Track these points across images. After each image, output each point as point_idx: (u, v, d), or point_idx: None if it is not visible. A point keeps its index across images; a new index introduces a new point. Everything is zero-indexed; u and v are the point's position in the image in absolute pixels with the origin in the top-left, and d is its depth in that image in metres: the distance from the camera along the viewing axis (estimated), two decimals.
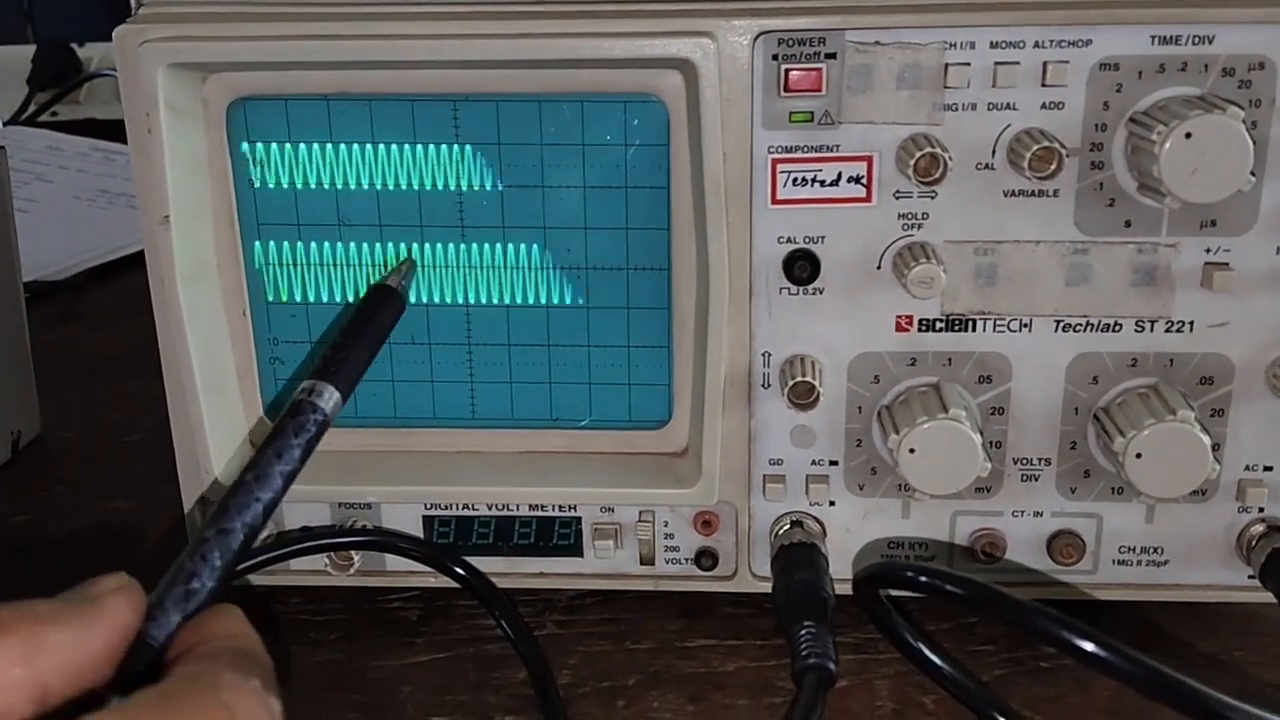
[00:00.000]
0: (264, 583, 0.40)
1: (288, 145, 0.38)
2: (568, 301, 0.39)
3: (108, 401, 0.58)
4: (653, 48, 0.35)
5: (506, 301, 0.39)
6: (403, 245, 0.38)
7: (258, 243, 0.39)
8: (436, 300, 0.39)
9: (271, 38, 0.35)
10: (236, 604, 0.28)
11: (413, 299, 0.39)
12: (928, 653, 0.35)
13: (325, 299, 0.39)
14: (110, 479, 0.51)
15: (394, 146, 0.37)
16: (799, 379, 0.36)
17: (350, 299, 0.39)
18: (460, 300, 0.39)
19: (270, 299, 0.39)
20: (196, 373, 0.38)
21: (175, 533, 0.43)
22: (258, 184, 0.38)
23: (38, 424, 0.53)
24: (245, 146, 0.38)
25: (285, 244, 0.39)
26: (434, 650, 0.38)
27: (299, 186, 0.38)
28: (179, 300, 0.37)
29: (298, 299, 0.39)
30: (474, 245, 0.38)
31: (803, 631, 0.33)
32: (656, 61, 0.35)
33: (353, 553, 0.39)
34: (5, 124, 1.08)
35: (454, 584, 0.39)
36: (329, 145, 0.38)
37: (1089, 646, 0.28)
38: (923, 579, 0.33)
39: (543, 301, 0.39)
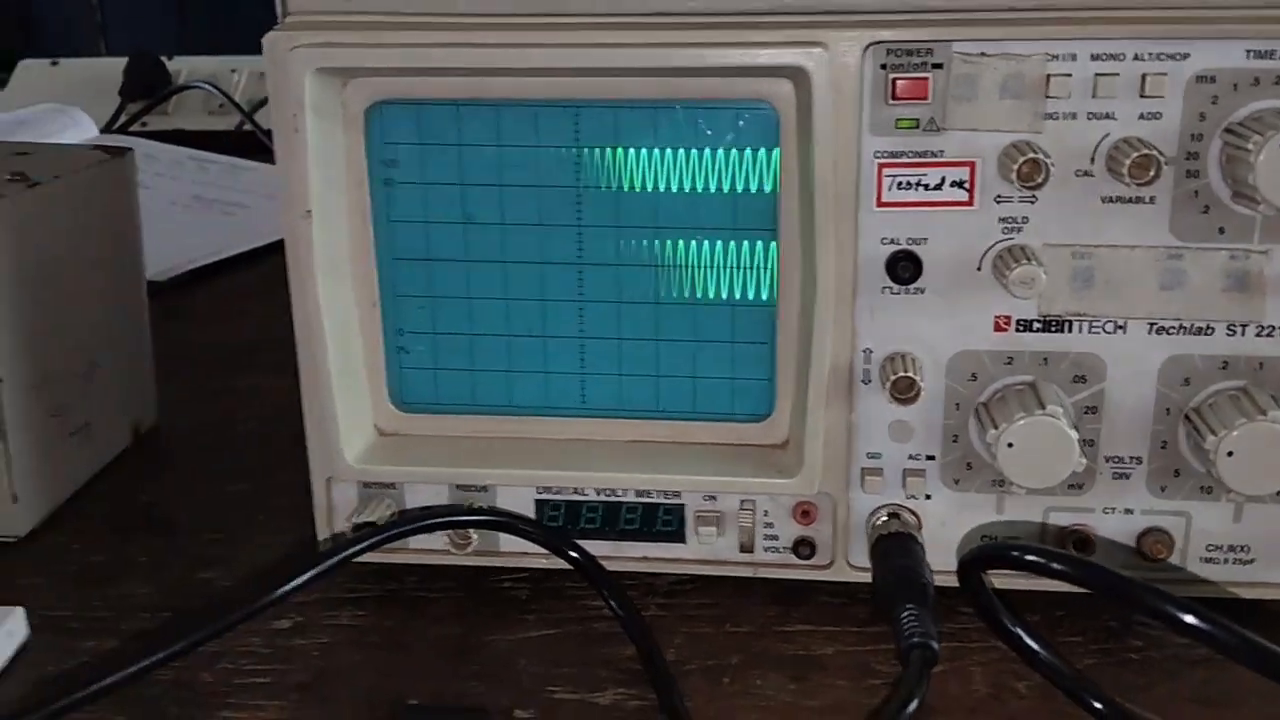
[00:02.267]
0: (382, 560, 0.42)
1: (419, 146, 0.40)
2: (675, 297, 0.41)
3: (217, 394, 0.61)
4: (768, 57, 0.37)
5: (618, 297, 0.41)
6: (519, 238, 0.41)
7: (389, 237, 0.41)
8: (551, 296, 0.41)
9: (410, 45, 0.37)
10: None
11: (529, 294, 0.41)
12: (1025, 637, 0.36)
13: (450, 292, 0.41)
14: (226, 465, 0.53)
15: (517, 148, 0.40)
16: (900, 375, 0.38)
17: (473, 293, 0.41)
18: (574, 295, 0.41)
19: (398, 292, 0.42)
20: (330, 359, 0.40)
21: (293, 513, 0.46)
22: (390, 182, 0.41)
23: (155, 414, 0.56)
24: (381, 146, 0.40)
25: (413, 239, 0.41)
26: (545, 627, 0.40)
27: (428, 184, 0.41)
28: (317, 291, 0.39)
29: (424, 292, 0.42)
30: (589, 243, 0.41)
31: (906, 613, 0.35)
32: (770, 70, 0.37)
33: (471, 532, 0.41)
34: (100, 133, 1.13)
35: (564, 565, 0.41)
36: (457, 146, 0.40)
37: (1190, 619, 0.30)
38: (1029, 557, 0.34)
39: (652, 298, 0.41)
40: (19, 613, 0.40)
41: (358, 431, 0.42)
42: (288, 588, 0.38)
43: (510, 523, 0.40)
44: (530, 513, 0.42)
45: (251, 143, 1.21)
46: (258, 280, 0.82)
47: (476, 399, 0.42)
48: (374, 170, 0.40)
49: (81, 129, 1.08)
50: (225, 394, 0.61)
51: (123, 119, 1.25)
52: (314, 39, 0.38)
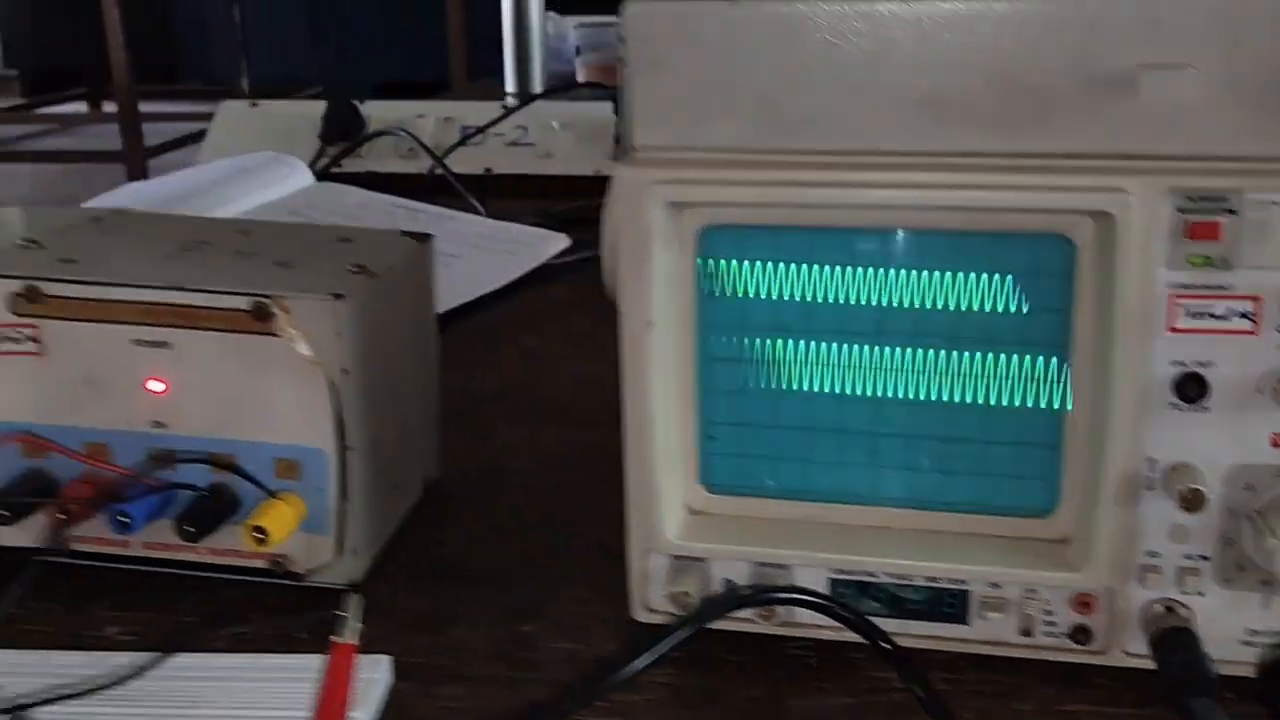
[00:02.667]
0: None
1: (740, 263, 0.45)
2: (969, 401, 0.45)
3: (477, 443, 0.68)
4: (1073, 201, 0.41)
5: (913, 398, 0.46)
6: (825, 345, 0.46)
7: (707, 341, 0.46)
8: (850, 393, 0.46)
9: (754, 184, 0.43)
10: None
11: (827, 388, 0.46)
12: None
13: (756, 390, 0.47)
14: (508, 517, 0.59)
15: (828, 267, 0.45)
16: (1189, 487, 0.42)
17: (778, 390, 0.46)
18: (871, 394, 0.46)
19: (712, 388, 0.47)
20: (657, 447, 0.45)
21: (588, 567, 0.51)
22: (711, 293, 0.46)
23: (441, 467, 0.62)
24: (705, 263, 0.45)
25: (729, 344, 0.46)
26: (843, 694, 0.45)
27: (743, 296, 0.46)
28: (651, 389, 0.45)
29: (733, 389, 0.47)
30: (888, 350, 0.45)
31: (1200, 704, 0.39)
32: (1075, 211, 0.42)
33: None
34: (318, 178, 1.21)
35: (858, 638, 0.45)
36: (771, 263, 0.45)
37: None
38: None
39: (945, 399, 0.45)
40: (386, 661, 0.46)
41: (673, 510, 0.47)
42: (663, 649, 0.43)
43: (829, 606, 0.45)
44: (824, 589, 0.46)
45: (442, 186, 1.28)
46: (484, 329, 0.89)
47: (778, 484, 0.47)
48: (700, 284, 0.46)
49: (298, 177, 1.16)
50: (489, 443, 0.67)
51: (323, 161, 1.34)
52: (666, 176, 0.43)
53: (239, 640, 0.49)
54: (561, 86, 1.46)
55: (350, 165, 1.37)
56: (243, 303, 0.49)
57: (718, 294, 0.46)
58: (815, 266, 0.45)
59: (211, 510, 0.51)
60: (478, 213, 1.18)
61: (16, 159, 4.65)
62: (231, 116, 1.46)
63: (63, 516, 0.51)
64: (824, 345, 0.46)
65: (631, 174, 0.44)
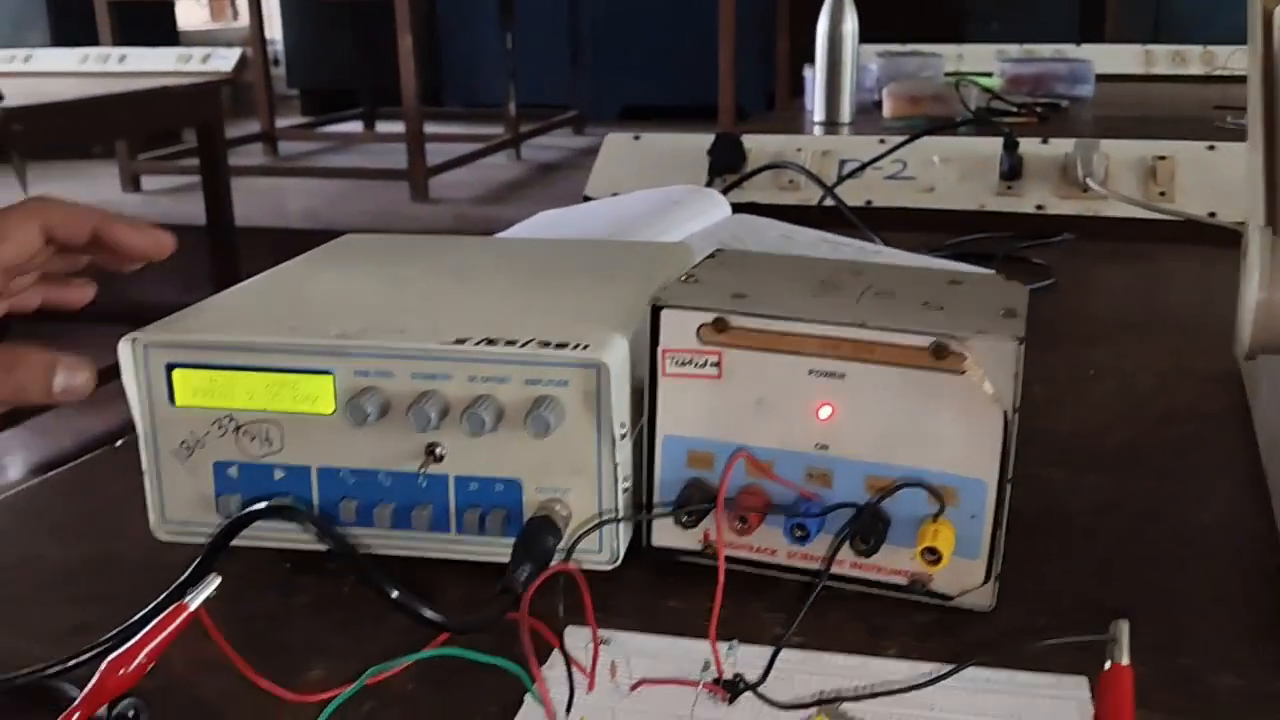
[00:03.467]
0: None
1: None
2: None
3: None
4: None
5: None
6: None
7: None
8: None
9: None
10: None
11: None
12: None
13: None
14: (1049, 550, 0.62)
15: None
16: None
17: None
18: None
19: None
20: None
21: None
22: None
23: None
24: None
25: None
26: None
27: None
28: None
29: None
30: None
31: None
32: None
33: None
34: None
35: None
36: None
37: None
38: None
39: None
40: (1084, 682, 0.49)
41: None
42: None
43: None
44: None
45: (827, 218, 1.33)
46: None
47: None
48: None
49: (720, 209, 1.22)
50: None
51: None
52: None
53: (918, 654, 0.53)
54: (946, 125, 1.49)
55: (733, 196, 1.43)
56: (923, 341, 0.54)
57: None
58: None
59: (876, 529, 0.55)
60: (873, 243, 1.22)
61: (308, 174, 5.01)
62: (616, 149, 1.55)
63: (741, 524, 0.56)
64: None
65: None
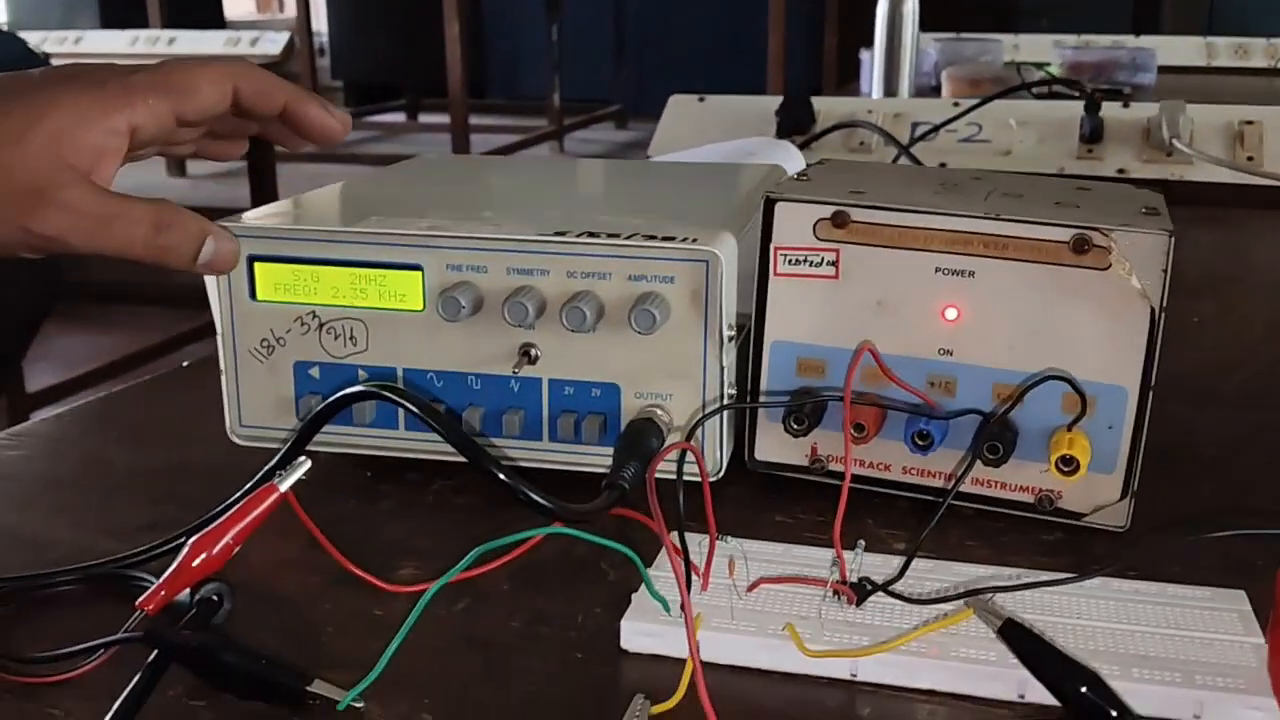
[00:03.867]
0: None
1: None
2: None
3: None
4: None
5: None
6: None
7: None
8: None
9: None
10: None
11: None
12: None
13: None
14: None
15: None
16: None
17: None
18: None
19: None
20: None
21: None
22: None
23: None
24: None
25: None
26: None
27: None
28: None
29: None
30: None
31: None
32: None
33: None
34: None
35: None
36: None
37: None
38: None
39: None
40: (1242, 595, 0.45)
41: None
42: None
43: None
44: None
45: None
46: None
47: None
48: None
49: (795, 161, 1.18)
50: None
51: None
52: None
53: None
54: (1025, 85, 1.45)
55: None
56: (1063, 234, 0.50)
57: None
58: None
59: (1005, 438, 0.51)
60: None
61: (352, 160, 5.00)
62: (680, 110, 1.51)
63: (857, 433, 0.53)
64: None
65: None
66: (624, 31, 6.23)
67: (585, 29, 6.12)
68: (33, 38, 3.44)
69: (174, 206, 0.53)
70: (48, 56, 3.32)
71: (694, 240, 0.53)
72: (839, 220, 0.53)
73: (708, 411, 0.53)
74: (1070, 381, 0.49)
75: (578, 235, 0.54)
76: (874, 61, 2.18)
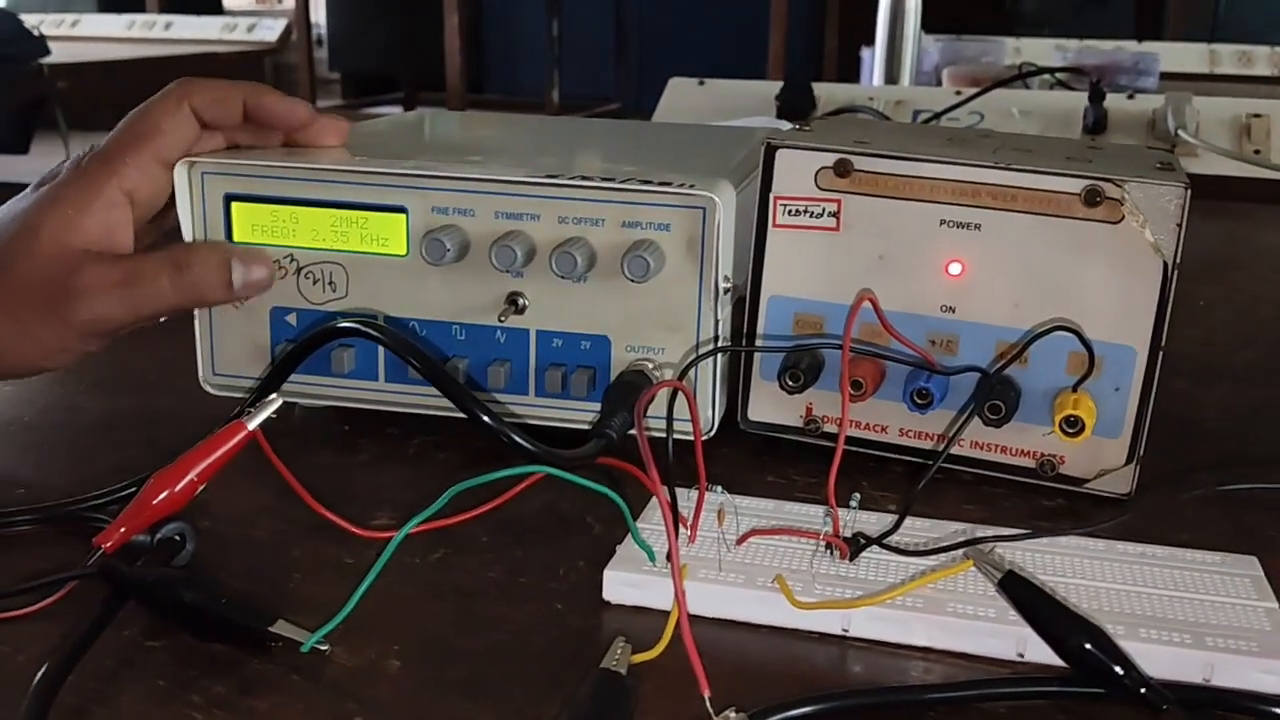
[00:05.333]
0: None
1: None
2: None
3: None
4: None
5: None
6: None
7: None
8: None
9: None
10: None
11: None
12: None
13: None
14: None
15: None
16: None
17: None
18: None
19: None
20: None
21: None
22: None
23: None
24: None
25: None
26: None
27: None
28: None
29: None
30: None
31: None
32: None
33: None
34: None
35: None
36: None
37: None
38: None
39: None
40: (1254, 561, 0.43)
41: None
42: None
43: None
44: None
45: None
46: None
47: None
48: None
49: None
50: None
51: None
52: None
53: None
54: (1027, 73, 1.43)
55: None
56: (1075, 185, 0.48)
57: None
58: None
59: (1008, 396, 0.49)
60: None
61: None
62: (680, 92, 1.49)
63: (855, 390, 0.51)
64: None
65: None
66: (625, 30, 6.21)
67: (586, 26, 6.10)
68: (29, 20, 3.41)
69: (186, 244, 0.54)
70: (44, 38, 3.29)
71: (691, 187, 0.51)
72: (842, 169, 0.51)
73: (701, 353, 0.51)
74: (1078, 333, 0.47)
75: (570, 179, 0.52)
76: (875, 58, 2.17)
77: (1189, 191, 0.47)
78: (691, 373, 0.51)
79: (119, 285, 0.50)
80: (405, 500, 0.49)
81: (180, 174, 0.54)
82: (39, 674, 0.34)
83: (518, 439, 0.44)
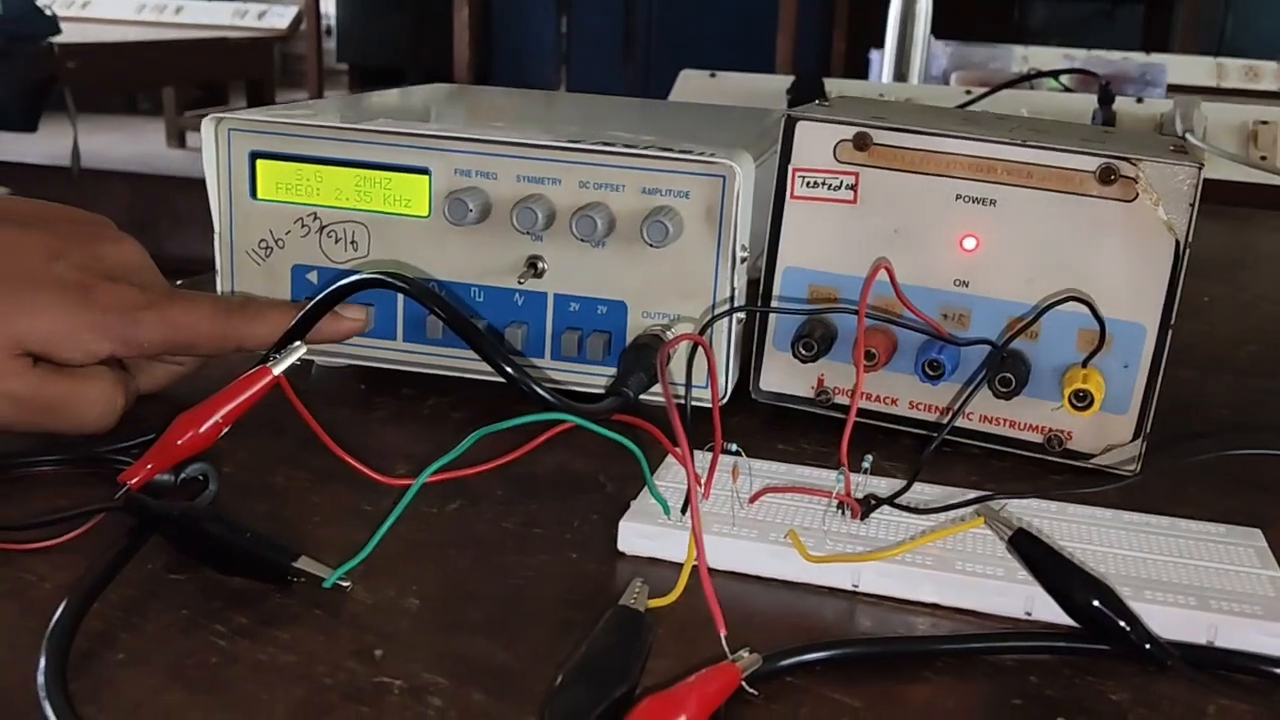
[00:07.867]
0: None
1: None
2: None
3: None
4: None
5: None
6: None
7: None
8: None
9: None
10: None
11: None
12: None
13: None
14: None
15: None
16: None
17: None
18: None
19: None
20: None
21: None
22: None
23: None
24: None
25: None
26: None
27: None
28: None
29: None
30: None
31: None
32: None
33: None
34: None
35: None
36: None
37: None
38: None
39: None
40: (1258, 533, 0.44)
41: None
42: None
43: None
44: None
45: None
46: None
47: None
48: None
49: None
50: None
51: None
52: None
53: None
54: (1036, 75, 1.44)
55: None
56: (1090, 163, 0.49)
57: None
58: None
59: (1018, 370, 0.50)
60: None
61: None
62: (691, 84, 1.50)
63: (868, 361, 0.51)
64: None
65: None
66: (633, 29, 6.22)
67: (594, 24, 6.11)
68: (40, 0, 3.41)
69: (259, 300, 0.53)
70: (56, 17, 3.30)
71: (711, 155, 0.51)
72: (860, 142, 0.52)
73: (718, 312, 0.52)
74: (1090, 305, 0.48)
75: (593, 144, 0.52)
76: (884, 59, 2.18)
77: (1202, 171, 0.48)
78: (708, 335, 0.52)
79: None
80: (421, 454, 0.50)
81: (207, 130, 0.55)
82: (65, 599, 0.35)
83: (537, 389, 0.45)
